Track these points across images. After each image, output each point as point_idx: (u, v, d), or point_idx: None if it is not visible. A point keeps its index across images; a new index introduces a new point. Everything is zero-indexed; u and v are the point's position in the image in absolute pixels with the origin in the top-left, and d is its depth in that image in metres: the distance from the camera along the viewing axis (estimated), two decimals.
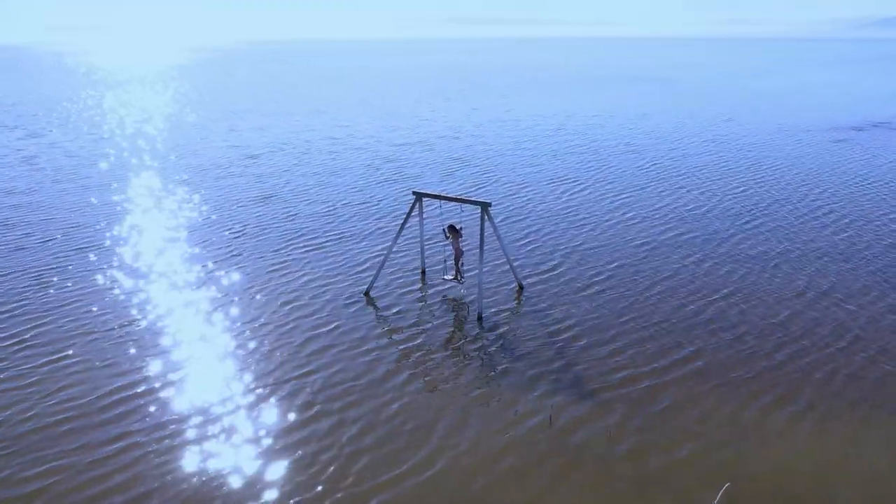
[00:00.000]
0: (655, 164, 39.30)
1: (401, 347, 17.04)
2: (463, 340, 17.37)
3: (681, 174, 36.60)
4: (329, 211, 29.66)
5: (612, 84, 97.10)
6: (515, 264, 22.14)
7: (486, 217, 18.19)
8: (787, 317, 18.66)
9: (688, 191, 32.95)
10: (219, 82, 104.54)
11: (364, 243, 25.13)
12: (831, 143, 46.41)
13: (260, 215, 28.89)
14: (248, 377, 15.83)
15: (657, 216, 28.49)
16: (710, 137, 48.58)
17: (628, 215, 28.65)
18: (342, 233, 26.52)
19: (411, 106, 68.98)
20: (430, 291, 20.31)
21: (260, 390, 15.28)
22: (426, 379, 15.61)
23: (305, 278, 21.74)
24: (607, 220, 27.87)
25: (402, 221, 20.01)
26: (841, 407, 14.45)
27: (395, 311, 19.09)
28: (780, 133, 50.63)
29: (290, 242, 25.34)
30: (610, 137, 48.32)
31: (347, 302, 19.78)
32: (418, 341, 17.38)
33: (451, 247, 20.33)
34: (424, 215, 21.45)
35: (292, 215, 28.91)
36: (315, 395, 15.07)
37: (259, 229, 26.94)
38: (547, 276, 21.74)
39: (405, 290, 20.48)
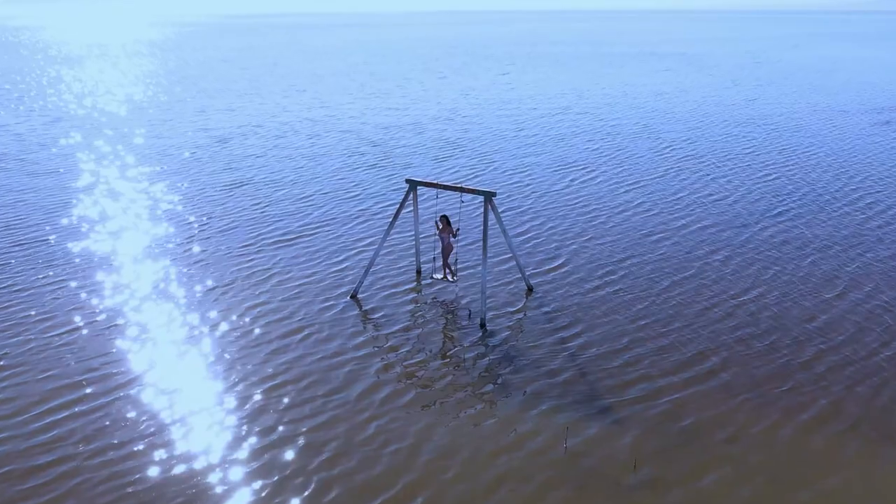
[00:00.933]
0: (674, 147, 39.28)
1: (385, 358, 16.64)
2: (457, 348, 17.03)
3: (702, 159, 36.54)
4: (306, 201, 29.37)
5: (628, 60, 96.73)
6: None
7: (489, 208, 17.96)
8: (825, 321, 18.43)
9: (711, 178, 32.82)
10: (190, 59, 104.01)
11: (346, 238, 24.86)
12: (871, 125, 46.31)
13: (228, 206, 28.64)
14: (203, 394, 15.35)
15: (676, 206, 28.40)
16: (735, 119, 48.61)
17: (644, 205, 28.56)
18: (321, 226, 26.23)
19: (402, 84, 68.74)
20: (426, 293, 20.10)
21: (217, 410, 14.78)
22: (412, 395, 15.14)
23: (277, 278, 21.38)
24: (620, 211, 27.76)
25: (393, 213, 19.84)
26: (890, 426, 14.04)
27: (382, 316, 18.76)
28: (813, 114, 50.68)
29: (262, 237, 25.04)
30: (624, 119, 48.28)
31: (325, 305, 19.41)
32: (405, 350, 16.98)
33: (439, 242, 19.98)
34: (418, 207, 21.03)
35: (264, 206, 28.68)
36: (281, 414, 14.52)
37: (226, 221, 26.67)
38: (552, 274, 21.49)
39: (397, 292, 20.18)
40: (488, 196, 17.78)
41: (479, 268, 21.34)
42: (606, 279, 20.98)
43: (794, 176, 32.90)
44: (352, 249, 23.62)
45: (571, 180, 32.37)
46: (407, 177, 21.22)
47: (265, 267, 22.18)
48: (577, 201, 29.04)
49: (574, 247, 23.78)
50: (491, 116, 49.48)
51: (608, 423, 14.09)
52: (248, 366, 16.35)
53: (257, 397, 15.12)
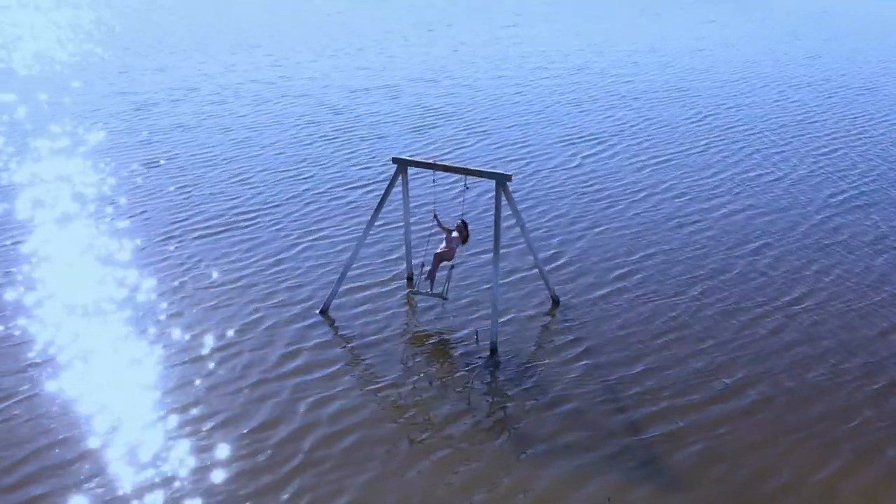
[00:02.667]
0: (714, 115, 39.25)
1: (363, 397, 16.28)
2: (460, 384, 16.75)
3: (749, 130, 36.42)
4: (243, 182, 29.08)
5: (667, 8, 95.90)
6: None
7: (502, 197, 17.70)
8: None
9: (759, 154, 32.76)
10: (119, 5, 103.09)
11: (291, 228, 24.53)
12: None
13: (143, 188, 28.52)
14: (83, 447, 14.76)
15: (715, 189, 28.50)
16: (792, 80, 48.51)
17: (674, 188, 28.66)
18: (260, 213, 25.91)
19: (381, 39, 67.97)
20: (420, 308, 19.99)
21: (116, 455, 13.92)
22: (402, 448, 14.76)
23: (202, 281, 20.91)
24: (643, 196, 27.83)
25: (376, 204, 19.56)
26: None
27: (357, 336, 18.60)
28: (891, 77, 50.31)
29: (185, 226, 24.84)
30: (653, 81, 48.26)
31: (275, 321, 19.03)
32: (388, 382, 16.69)
33: (443, 242, 19.22)
34: (409, 194, 20.77)
35: (189, 188, 28.48)
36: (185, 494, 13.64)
37: (138, 208, 26.49)
38: (554, 275, 21.37)
39: (380, 306, 20.00)
40: (501, 180, 17.60)
41: (481, 273, 21.16)
42: (622, 285, 21.15)
43: (866, 153, 32.64)
44: (299, 245, 23.34)
45: (583, 157, 32.23)
46: (394, 155, 21.24)
47: (184, 266, 21.91)
48: (589, 183, 28.95)
49: (582, 238, 23.94)
50: (486, 78, 49.44)
51: (622, 473, 14.03)
52: (157, 397, 15.67)
53: (149, 473, 14.48)
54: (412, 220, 21.60)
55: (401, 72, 51.31)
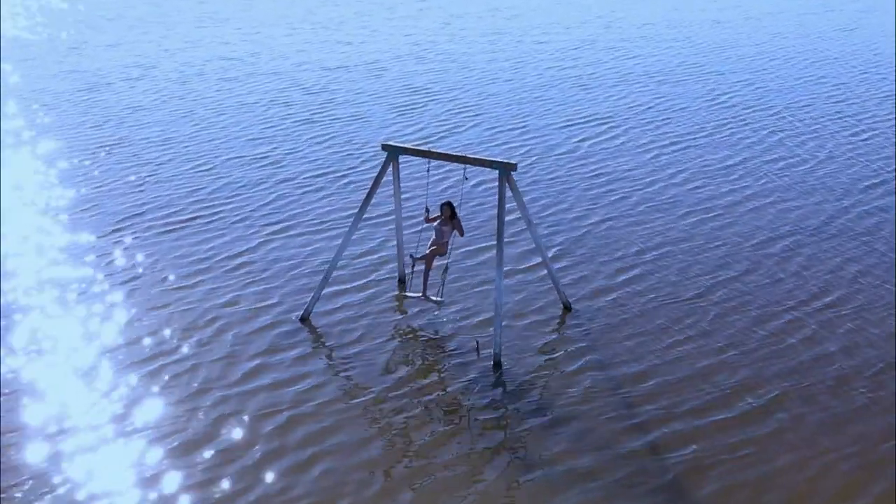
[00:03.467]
0: (733, 94, 39.38)
1: (348, 417, 16.07)
2: (456, 401, 16.67)
3: (772, 110, 36.53)
4: (203, 170, 29.31)
5: None
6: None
7: (506, 189, 17.74)
8: None
9: (783, 136, 32.87)
10: None
11: (272, 229, 24.54)
12: None
13: (93, 177, 28.65)
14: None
15: (732, 176, 28.72)
16: (822, 55, 48.56)
17: (685, 174, 28.85)
18: (228, 209, 25.99)
19: (364, 10, 67.94)
20: (413, 315, 19.91)
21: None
22: (392, 479, 14.50)
23: (146, 287, 20.84)
24: (650, 183, 28.03)
25: (362, 196, 19.64)
26: None
27: (337, 349, 18.45)
28: None
29: (135, 223, 24.83)
30: (664, 57, 48.42)
31: (238, 332, 18.97)
32: (375, 398, 16.55)
33: (432, 235, 19.24)
34: (400, 186, 20.64)
35: (144, 175, 28.70)
36: None
37: (88, 199, 26.60)
38: (558, 276, 20.96)
39: (367, 312, 19.95)
40: (506, 170, 17.59)
41: (480, 273, 21.16)
42: (634, 290, 21.09)
43: None
44: (269, 242, 23.42)
45: (583, 140, 32.40)
46: (378, 139, 21.18)
47: (138, 265, 22.05)
48: (595, 172, 29.08)
49: (589, 238, 24.01)
50: (479, 53, 49.68)
51: None
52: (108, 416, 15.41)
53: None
54: (403, 215, 21.45)
55: (385, 48, 51.54)
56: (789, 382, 16.96)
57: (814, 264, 21.98)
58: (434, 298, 18.74)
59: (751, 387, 16.91)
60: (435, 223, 18.85)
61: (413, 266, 19.48)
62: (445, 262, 18.97)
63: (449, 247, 18.92)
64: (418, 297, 18.95)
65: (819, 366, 17.54)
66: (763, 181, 27.81)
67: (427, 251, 18.88)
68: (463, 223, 19.05)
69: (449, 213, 18.69)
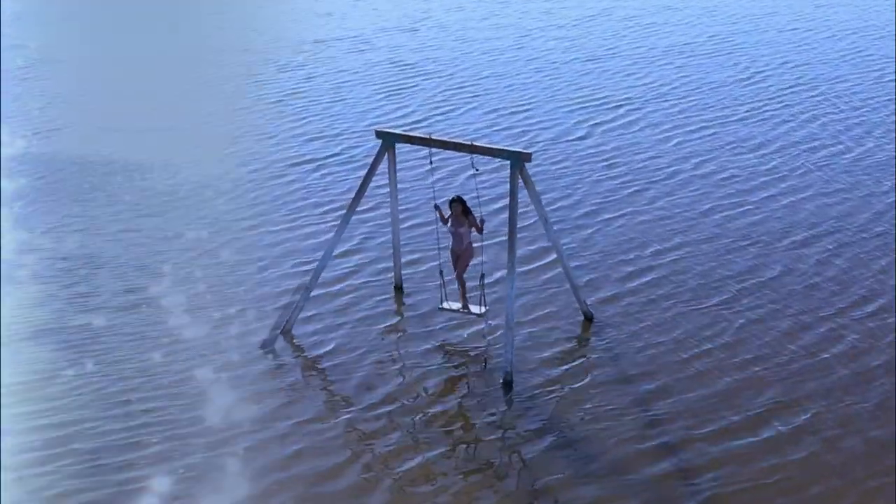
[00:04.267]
0: (766, 73, 39.07)
1: (337, 444, 16.12)
2: (461, 426, 16.70)
3: (811, 91, 36.31)
4: (163, 161, 29.32)
5: None
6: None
7: (519, 182, 17.81)
8: None
9: (822, 120, 32.60)
10: None
11: (238, 227, 24.64)
12: None
13: (29, 164, 28.90)
14: None
15: (764, 166, 28.47)
16: (867, 29, 48.11)
17: (711, 164, 28.68)
18: (186, 203, 26.13)
19: None
20: (412, 328, 19.94)
21: None
22: None
23: (84, 296, 20.97)
24: (672, 174, 27.88)
25: (353, 191, 19.94)
26: None
27: (319, 363, 18.57)
28: None
29: (75, 219, 24.93)
30: (688, 30, 48.14)
31: (198, 346, 19.07)
32: (366, 421, 16.65)
33: (449, 239, 19.34)
34: (396, 178, 20.72)
35: (84, 166, 28.73)
36: None
37: (23, 191, 26.89)
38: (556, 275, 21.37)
39: (361, 326, 20.00)
40: (519, 160, 17.50)
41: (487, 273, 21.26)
42: (653, 295, 21.08)
43: None
44: (234, 242, 23.59)
45: (595, 126, 32.21)
46: (377, 127, 21.28)
47: (77, 269, 22.01)
48: (608, 161, 28.96)
49: (601, 236, 23.99)
50: (477, 26, 49.44)
51: None
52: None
53: None
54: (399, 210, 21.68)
55: (371, 19, 51.32)
56: (825, 403, 16.94)
57: (856, 267, 21.85)
58: (476, 311, 18.84)
59: (781, 407, 16.89)
60: (447, 224, 18.91)
61: (443, 282, 19.43)
62: (479, 265, 18.99)
63: (472, 246, 18.94)
64: (457, 310, 19.08)
65: (859, 385, 17.46)
66: (801, 172, 27.63)
67: (454, 266, 18.90)
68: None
69: (460, 210, 18.68)
